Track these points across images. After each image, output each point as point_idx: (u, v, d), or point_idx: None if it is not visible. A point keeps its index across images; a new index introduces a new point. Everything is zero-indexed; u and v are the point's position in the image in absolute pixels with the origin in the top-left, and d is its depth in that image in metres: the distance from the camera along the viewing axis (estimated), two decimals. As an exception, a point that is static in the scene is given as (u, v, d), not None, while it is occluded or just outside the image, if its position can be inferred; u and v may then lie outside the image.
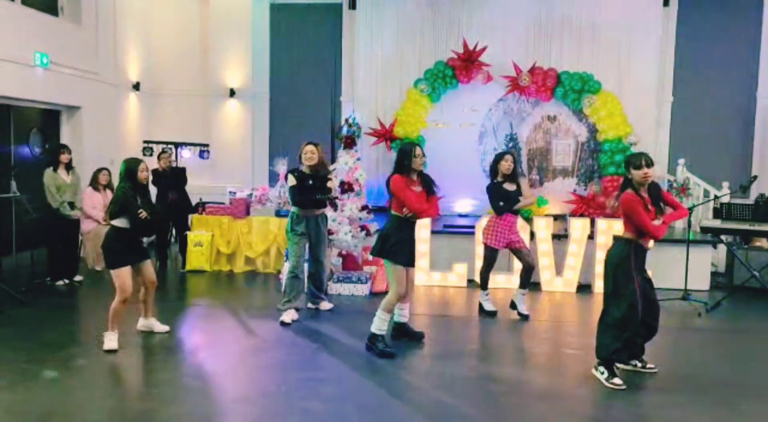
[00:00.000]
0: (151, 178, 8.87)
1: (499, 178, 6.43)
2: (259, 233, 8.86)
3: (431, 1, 10.86)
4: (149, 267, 5.67)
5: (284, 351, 5.47)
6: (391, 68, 10.93)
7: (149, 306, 5.86)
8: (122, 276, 5.34)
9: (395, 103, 10.75)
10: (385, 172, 10.76)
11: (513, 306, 6.68)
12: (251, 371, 5.08)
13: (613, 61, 10.47)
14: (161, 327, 5.87)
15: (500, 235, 6.46)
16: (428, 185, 5.34)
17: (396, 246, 5.23)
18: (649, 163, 4.58)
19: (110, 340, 5.34)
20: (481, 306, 6.80)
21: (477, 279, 8.15)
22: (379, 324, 5.33)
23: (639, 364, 4.97)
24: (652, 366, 4.99)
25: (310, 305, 6.85)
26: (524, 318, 6.57)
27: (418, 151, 5.24)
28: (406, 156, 5.22)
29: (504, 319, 6.52)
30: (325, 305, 6.82)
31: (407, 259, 5.30)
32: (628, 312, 4.60)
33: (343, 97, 11.42)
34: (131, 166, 5.45)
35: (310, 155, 6.27)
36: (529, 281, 6.60)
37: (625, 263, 4.67)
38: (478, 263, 8.15)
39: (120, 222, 5.36)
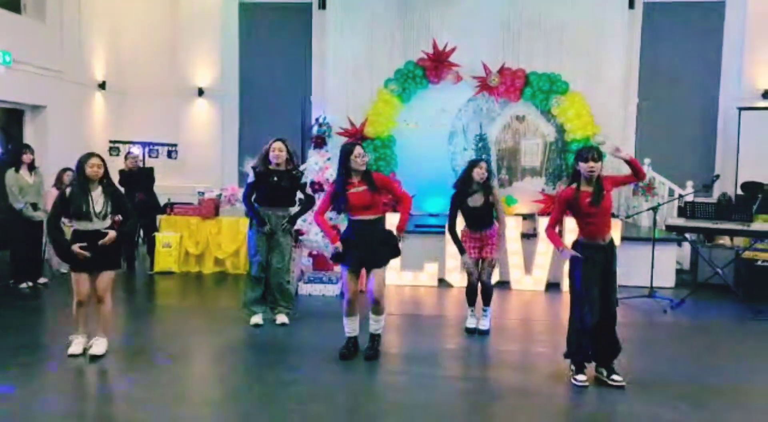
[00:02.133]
0: (118, 177, 8.85)
1: (471, 188, 5.82)
2: (229, 234, 8.78)
3: (401, 1, 10.88)
4: (102, 279, 5.12)
5: (256, 352, 5.42)
6: (362, 68, 10.92)
7: (96, 321, 5.22)
8: (75, 280, 5.08)
9: (366, 102, 10.74)
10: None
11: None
12: (223, 373, 5.03)
13: (580, 62, 10.61)
14: (96, 348, 5.13)
15: (471, 249, 5.93)
16: (370, 183, 5.08)
17: (343, 249, 5.16)
18: (597, 158, 4.57)
19: (76, 344, 5.18)
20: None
21: (447, 278, 8.22)
22: (345, 327, 5.28)
23: (605, 373, 4.75)
24: (619, 378, 4.66)
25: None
26: (483, 333, 5.97)
27: (357, 150, 5.08)
28: (345, 155, 5.09)
29: (475, 318, 6.55)
30: (281, 318, 6.17)
31: (348, 261, 5.12)
32: (577, 313, 4.65)
33: (314, 97, 11.38)
34: (80, 160, 5.06)
35: (278, 152, 5.98)
36: (488, 297, 5.99)
37: (573, 263, 4.72)
38: (450, 262, 8.22)
39: (77, 224, 5.07)
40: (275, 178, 5.98)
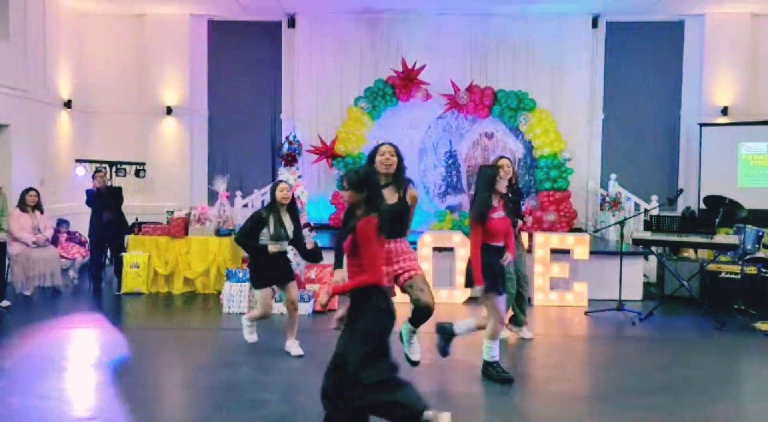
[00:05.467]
0: (85, 198, 8.72)
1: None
2: (199, 253, 8.68)
3: (370, 20, 10.98)
4: (291, 289, 5.72)
5: (226, 372, 5.34)
6: (332, 86, 10.98)
7: (289, 328, 5.79)
8: (262, 296, 5.66)
9: (336, 120, 10.79)
10: (326, 189, 10.78)
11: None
12: (192, 393, 4.94)
13: (546, 79, 10.82)
14: (297, 351, 5.68)
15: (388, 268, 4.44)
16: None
17: (486, 271, 4.91)
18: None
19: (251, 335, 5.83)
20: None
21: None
22: (487, 352, 5.10)
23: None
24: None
25: None
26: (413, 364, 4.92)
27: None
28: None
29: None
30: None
31: (491, 285, 4.91)
32: None
33: (284, 115, 11.38)
34: (274, 188, 5.57)
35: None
36: (418, 320, 4.76)
37: None
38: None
39: (272, 246, 5.49)
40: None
